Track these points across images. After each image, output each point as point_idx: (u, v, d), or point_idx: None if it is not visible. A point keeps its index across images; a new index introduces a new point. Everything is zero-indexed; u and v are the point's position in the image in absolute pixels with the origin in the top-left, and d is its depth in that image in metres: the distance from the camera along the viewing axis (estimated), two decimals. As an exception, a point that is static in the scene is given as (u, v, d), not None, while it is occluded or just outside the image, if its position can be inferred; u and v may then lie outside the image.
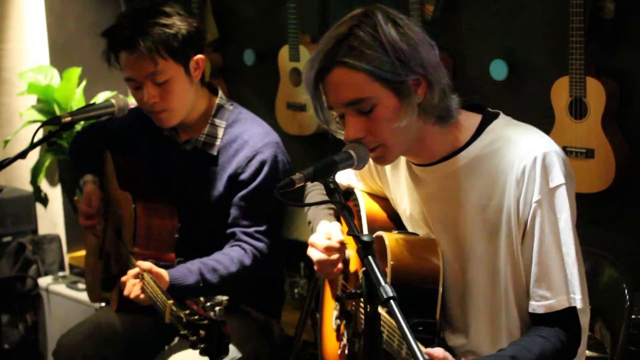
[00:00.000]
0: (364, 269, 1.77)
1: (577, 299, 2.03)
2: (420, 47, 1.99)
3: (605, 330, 2.58)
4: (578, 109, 2.93)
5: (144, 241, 2.80)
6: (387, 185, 2.35)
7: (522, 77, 3.23)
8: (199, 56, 2.81)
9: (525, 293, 2.09)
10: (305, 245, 2.57)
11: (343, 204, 1.88)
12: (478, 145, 2.08)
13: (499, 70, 3.22)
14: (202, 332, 2.14)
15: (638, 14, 2.94)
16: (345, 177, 2.51)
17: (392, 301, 1.68)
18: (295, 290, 3.84)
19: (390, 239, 2.18)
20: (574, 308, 2.04)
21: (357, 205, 2.45)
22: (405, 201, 2.27)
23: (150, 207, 2.84)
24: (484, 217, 2.08)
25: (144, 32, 2.69)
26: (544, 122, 2.96)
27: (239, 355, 2.83)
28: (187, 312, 2.20)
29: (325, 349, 2.56)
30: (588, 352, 2.47)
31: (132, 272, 2.59)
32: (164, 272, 2.62)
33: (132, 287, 2.57)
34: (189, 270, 2.70)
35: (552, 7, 3.10)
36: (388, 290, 1.69)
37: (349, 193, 2.52)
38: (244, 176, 2.80)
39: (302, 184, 1.91)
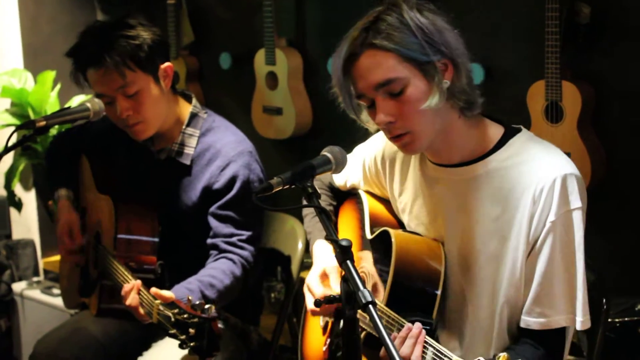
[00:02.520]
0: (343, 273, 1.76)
1: (579, 320, 2.05)
2: (446, 31, 2.02)
3: (581, 333, 2.59)
4: (554, 113, 2.95)
5: (125, 245, 2.77)
6: (392, 189, 2.34)
7: (498, 81, 3.24)
8: (167, 64, 2.78)
9: (517, 307, 2.09)
10: (282, 254, 2.58)
11: (321, 209, 1.87)
12: (499, 156, 2.08)
13: (475, 74, 3.19)
14: (191, 331, 2.12)
15: (613, 18, 2.96)
16: (352, 179, 2.50)
17: (370, 306, 1.67)
18: (272, 295, 3.83)
19: (396, 234, 2.19)
20: (564, 328, 2.06)
21: (360, 206, 2.44)
22: (410, 204, 2.27)
23: (130, 210, 2.82)
24: (492, 228, 2.08)
25: (109, 46, 2.67)
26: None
27: (216, 360, 2.81)
28: (175, 311, 2.18)
29: (307, 347, 2.56)
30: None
31: (134, 284, 2.55)
32: (170, 295, 2.57)
33: (130, 292, 2.53)
34: (190, 291, 2.66)
35: (528, 11, 3.12)
36: (367, 295, 1.68)
37: (354, 194, 2.52)
38: (217, 186, 2.78)
39: (280, 188, 1.89)
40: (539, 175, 2.03)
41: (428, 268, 2.16)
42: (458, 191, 2.13)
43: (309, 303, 2.30)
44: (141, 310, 2.49)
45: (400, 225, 2.35)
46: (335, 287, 2.28)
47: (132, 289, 2.52)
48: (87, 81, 2.77)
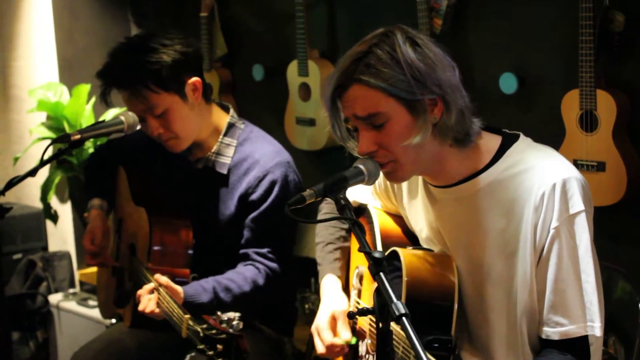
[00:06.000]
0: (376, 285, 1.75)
1: (596, 327, 2.02)
2: (438, 67, 1.99)
3: (619, 344, 2.56)
4: (588, 122, 2.92)
5: (159, 257, 2.80)
6: (402, 205, 2.34)
7: (532, 91, 3.22)
8: (194, 79, 2.79)
9: (536, 318, 2.07)
10: (316, 264, 2.57)
11: (354, 221, 1.87)
12: (497, 168, 2.07)
13: (508, 83, 3.21)
14: (219, 347, 2.13)
15: (648, 26, 2.93)
16: (360, 195, 2.51)
17: (404, 318, 1.67)
18: (306, 306, 3.82)
19: (405, 254, 2.17)
20: (587, 336, 2.03)
21: (370, 222, 2.43)
22: (421, 221, 2.26)
23: (164, 222, 2.84)
24: (500, 241, 2.06)
25: (128, 74, 2.71)
26: (554, 135, 2.95)
27: (250, 372, 2.82)
28: (204, 326, 2.19)
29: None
30: (602, 367, 2.45)
31: (147, 286, 2.59)
32: (179, 289, 2.61)
33: (147, 301, 2.57)
34: (203, 289, 2.69)
35: (562, 20, 3.10)
36: (400, 308, 1.67)
37: (362, 210, 2.51)
38: (254, 196, 2.79)
39: (313, 200, 1.90)
40: (539, 182, 2.01)
41: (441, 284, 2.13)
42: (461, 208, 2.11)
43: (319, 348, 2.31)
44: (157, 311, 2.54)
45: (413, 238, 2.35)
46: (342, 334, 2.30)
47: (144, 293, 2.57)
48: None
